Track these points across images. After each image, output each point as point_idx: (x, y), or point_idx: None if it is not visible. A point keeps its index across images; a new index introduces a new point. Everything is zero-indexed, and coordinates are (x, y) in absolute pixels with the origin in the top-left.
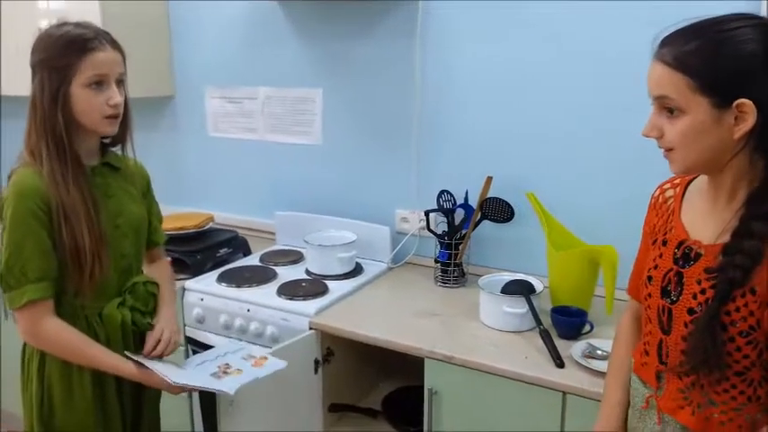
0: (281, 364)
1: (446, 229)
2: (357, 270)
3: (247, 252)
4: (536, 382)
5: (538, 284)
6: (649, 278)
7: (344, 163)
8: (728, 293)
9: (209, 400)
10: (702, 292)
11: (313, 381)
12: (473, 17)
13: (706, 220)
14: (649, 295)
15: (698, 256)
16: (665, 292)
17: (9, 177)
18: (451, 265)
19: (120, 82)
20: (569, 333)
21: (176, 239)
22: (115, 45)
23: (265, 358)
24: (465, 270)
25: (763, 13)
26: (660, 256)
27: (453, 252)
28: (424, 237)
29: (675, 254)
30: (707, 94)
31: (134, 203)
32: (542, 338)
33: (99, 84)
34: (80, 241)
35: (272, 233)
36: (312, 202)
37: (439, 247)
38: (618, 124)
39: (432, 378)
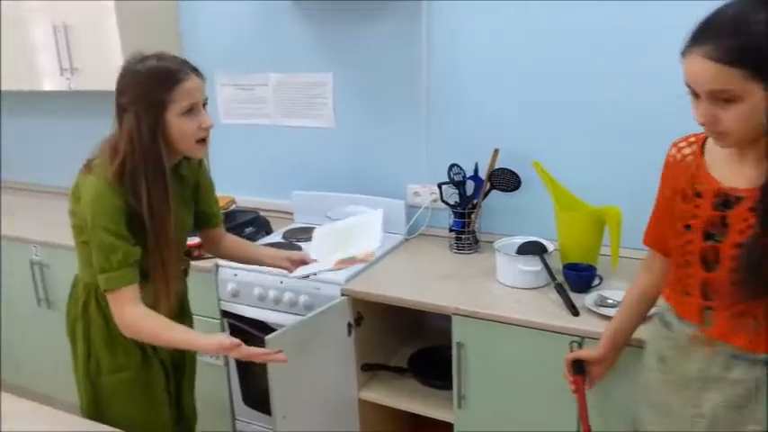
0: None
1: (458, 200)
2: None
3: (269, 231)
4: (556, 329)
5: (549, 245)
6: (687, 226)
7: (357, 143)
8: None
9: (245, 364)
10: (750, 227)
11: (347, 343)
12: None
13: (736, 172)
14: (689, 242)
15: (738, 199)
16: (707, 236)
17: (86, 167)
18: (465, 233)
19: (205, 105)
20: (580, 286)
21: None
22: (197, 72)
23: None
24: (477, 237)
25: None
26: (697, 207)
27: (466, 221)
28: (435, 209)
29: (715, 202)
30: (759, 79)
31: (186, 210)
32: (558, 292)
33: (190, 110)
34: (165, 255)
35: (290, 212)
36: (327, 182)
37: (453, 216)
38: (613, 94)
39: (459, 333)
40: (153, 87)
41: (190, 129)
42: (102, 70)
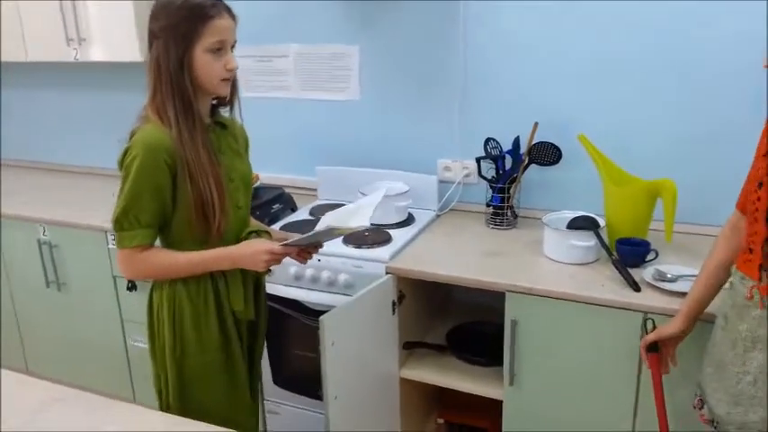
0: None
1: (494, 175)
2: (410, 219)
3: (294, 208)
4: (619, 305)
5: (600, 219)
6: (760, 184)
7: (383, 116)
8: None
9: (276, 351)
10: None
11: (391, 321)
12: None
13: None
14: (758, 199)
15: None
16: None
17: (132, 135)
18: (504, 208)
19: (233, 47)
20: (635, 261)
21: None
22: (230, 12)
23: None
24: (516, 212)
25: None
26: None
27: (506, 195)
28: (466, 184)
29: None
30: None
31: (240, 160)
32: (615, 266)
33: (218, 49)
34: (206, 196)
35: (313, 189)
36: (352, 157)
37: (491, 191)
38: (661, 62)
39: (513, 310)
40: (185, 19)
41: (215, 67)
42: (115, 42)
